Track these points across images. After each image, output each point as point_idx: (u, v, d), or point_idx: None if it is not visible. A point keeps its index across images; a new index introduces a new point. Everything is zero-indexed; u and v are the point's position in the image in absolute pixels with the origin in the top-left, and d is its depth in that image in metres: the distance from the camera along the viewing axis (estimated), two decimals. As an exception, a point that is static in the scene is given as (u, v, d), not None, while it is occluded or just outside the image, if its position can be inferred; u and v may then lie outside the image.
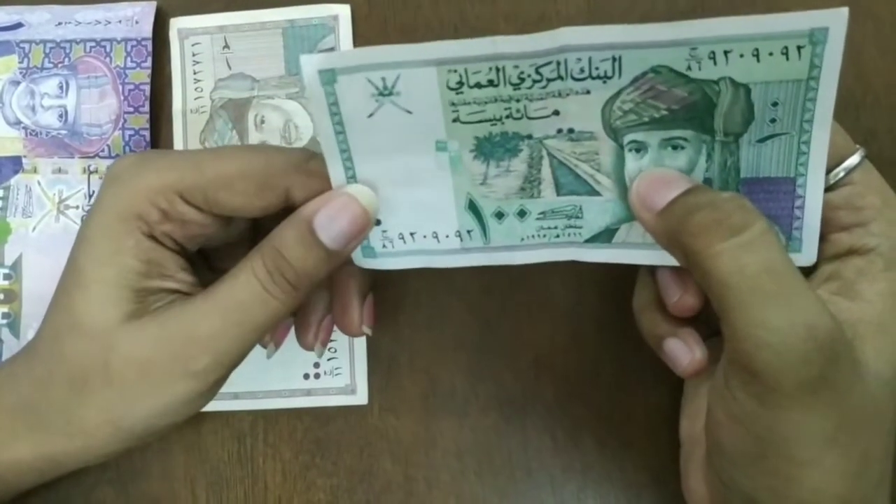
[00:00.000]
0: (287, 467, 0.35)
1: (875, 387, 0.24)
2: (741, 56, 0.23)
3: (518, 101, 0.25)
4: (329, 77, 0.24)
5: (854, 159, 0.26)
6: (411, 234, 0.28)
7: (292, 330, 0.32)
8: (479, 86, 0.24)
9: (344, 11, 0.36)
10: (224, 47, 0.36)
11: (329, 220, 0.26)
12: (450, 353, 0.35)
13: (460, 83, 0.24)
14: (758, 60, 0.23)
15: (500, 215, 0.27)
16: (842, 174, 0.26)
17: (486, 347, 0.35)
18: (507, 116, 0.25)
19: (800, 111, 0.24)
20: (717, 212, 0.23)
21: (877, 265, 0.25)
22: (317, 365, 0.35)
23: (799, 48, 0.23)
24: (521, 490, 0.34)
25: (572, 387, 0.35)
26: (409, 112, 0.25)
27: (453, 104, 0.25)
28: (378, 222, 0.28)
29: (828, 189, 0.26)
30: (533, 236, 0.27)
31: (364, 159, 0.26)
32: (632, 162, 0.26)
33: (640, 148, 0.25)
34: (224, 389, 0.34)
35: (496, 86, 0.24)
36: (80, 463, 0.28)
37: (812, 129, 0.24)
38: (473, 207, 0.27)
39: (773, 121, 0.24)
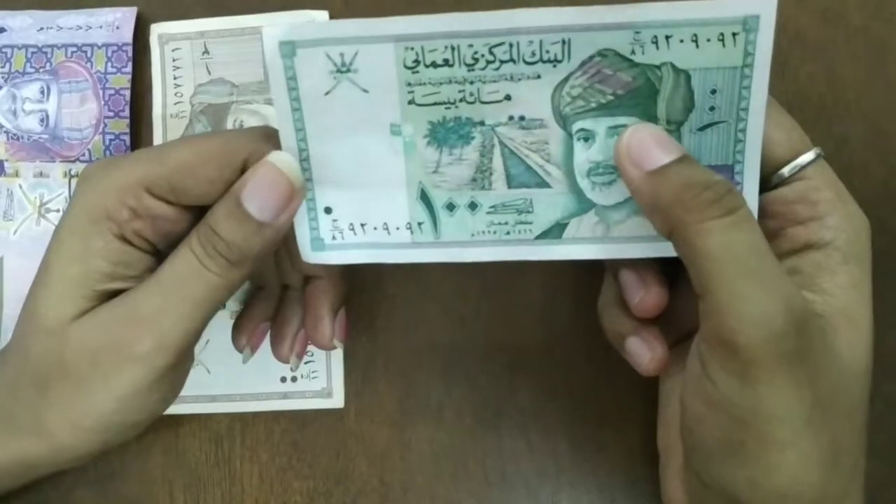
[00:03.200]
0: (264, 470, 0.35)
1: (848, 378, 0.25)
2: (681, 41, 0.24)
3: (472, 83, 0.25)
4: (289, 50, 0.25)
5: (809, 155, 0.26)
6: (362, 224, 0.28)
7: (268, 334, 0.33)
8: (434, 65, 0.25)
9: (322, 17, 0.36)
10: (204, 53, 0.37)
11: (253, 192, 0.25)
12: (425, 357, 0.35)
13: (416, 62, 0.25)
14: (697, 46, 0.24)
15: (451, 207, 0.27)
16: (797, 169, 0.26)
17: (461, 351, 0.35)
18: (461, 100, 0.25)
19: (737, 99, 0.25)
20: (711, 191, 0.23)
21: (834, 258, 0.26)
22: (294, 368, 0.35)
23: (734, 35, 0.24)
24: (495, 494, 0.34)
25: (547, 390, 0.35)
26: (366, 91, 0.25)
27: (409, 84, 0.25)
28: (329, 210, 0.28)
29: (783, 184, 0.27)
30: (484, 231, 0.28)
31: (319, 140, 0.26)
32: (580, 152, 0.26)
33: (587, 137, 0.26)
34: (201, 392, 0.35)
35: (451, 66, 0.25)
36: (53, 466, 0.28)
37: (748, 116, 0.25)
38: (425, 197, 0.27)
39: (712, 109, 0.25)
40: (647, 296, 0.27)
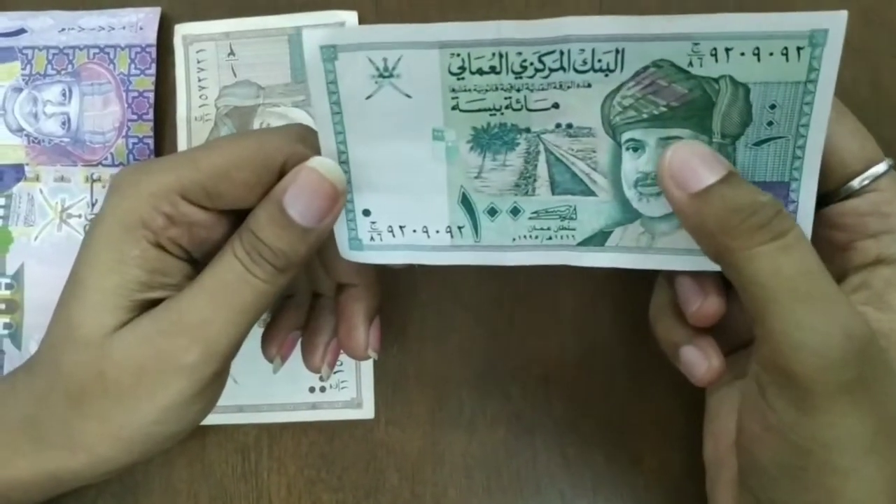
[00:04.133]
0: (292, 482, 0.34)
1: None
2: (742, 54, 0.23)
3: (519, 90, 0.24)
4: (330, 54, 0.24)
5: (881, 167, 0.26)
6: (401, 227, 0.27)
7: (298, 343, 0.32)
8: (480, 72, 0.24)
9: (351, 18, 0.35)
10: (229, 54, 0.36)
11: (296, 197, 0.25)
12: (457, 366, 0.34)
13: (462, 68, 0.24)
14: (758, 60, 0.23)
15: (492, 212, 0.27)
16: (868, 181, 0.26)
17: (495, 361, 0.34)
18: (507, 107, 0.25)
19: (797, 115, 0.24)
20: (757, 216, 0.23)
21: None
22: (323, 378, 0.35)
23: (798, 49, 0.23)
24: (529, 507, 0.34)
25: (582, 402, 0.34)
26: (409, 96, 0.25)
27: (453, 90, 0.25)
28: (367, 213, 0.27)
29: (854, 195, 0.26)
30: (525, 236, 0.27)
31: (358, 143, 0.26)
32: (629, 161, 0.25)
33: (637, 147, 0.25)
34: (228, 402, 0.34)
35: (498, 73, 0.24)
36: (83, 480, 0.27)
37: (808, 133, 0.24)
38: (466, 202, 0.27)
39: (770, 124, 0.24)
40: (705, 304, 0.26)
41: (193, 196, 0.26)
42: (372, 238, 0.28)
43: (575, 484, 0.34)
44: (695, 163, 0.24)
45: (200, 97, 0.36)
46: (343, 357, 0.34)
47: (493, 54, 0.24)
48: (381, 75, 0.24)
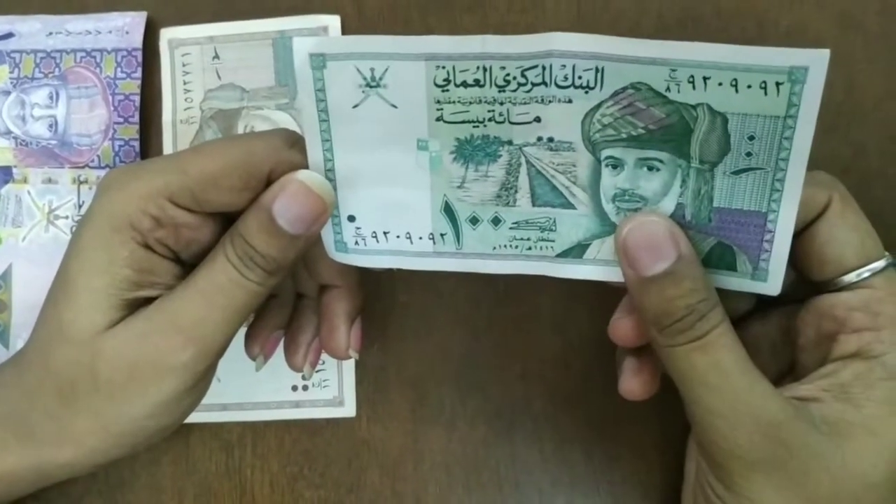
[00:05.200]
0: (275, 479, 0.35)
1: (856, 487, 0.25)
2: (720, 84, 0.23)
3: (502, 103, 0.25)
4: (319, 62, 0.25)
5: (879, 264, 0.26)
6: (384, 233, 0.28)
7: (281, 343, 0.32)
8: (465, 85, 0.25)
9: (334, 22, 0.36)
10: (214, 57, 0.36)
11: (285, 208, 0.26)
12: (438, 365, 0.35)
13: (447, 80, 0.25)
14: (736, 91, 0.23)
15: (474, 221, 0.27)
16: (866, 275, 0.26)
17: (474, 360, 0.35)
18: (490, 119, 0.25)
19: (776, 148, 0.24)
20: (682, 322, 0.24)
21: (876, 373, 0.25)
22: (305, 377, 0.35)
23: (777, 84, 0.23)
24: (509, 503, 0.34)
25: (560, 400, 0.35)
26: (394, 106, 0.25)
27: (438, 102, 0.25)
28: (352, 218, 0.28)
29: (847, 288, 0.26)
30: (505, 246, 0.27)
31: (345, 151, 0.26)
32: (608, 178, 0.26)
33: (616, 164, 0.25)
34: (213, 401, 0.35)
35: (482, 86, 0.25)
36: (70, 473, 0.28)
37: (787, 167, 0.24)
38: (449, 210, 0.27)
39: (748, 154, 0.24)
40: (632, 382, 0.29)
41: (181, 200, 0.26)
42: (356, 242, 0.28)
43: (553, 480, 0.34)
44: (646, 248, 0.25)
45: (185, 100, 0.36)
46: (325, 356, 0.35)
47: (478, 68, 0.24)
48: (368, 85, 0.25)
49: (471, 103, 0.25)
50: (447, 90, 0.25)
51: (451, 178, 0.27)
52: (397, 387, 0.35)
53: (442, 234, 0.27)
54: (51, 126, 0.36)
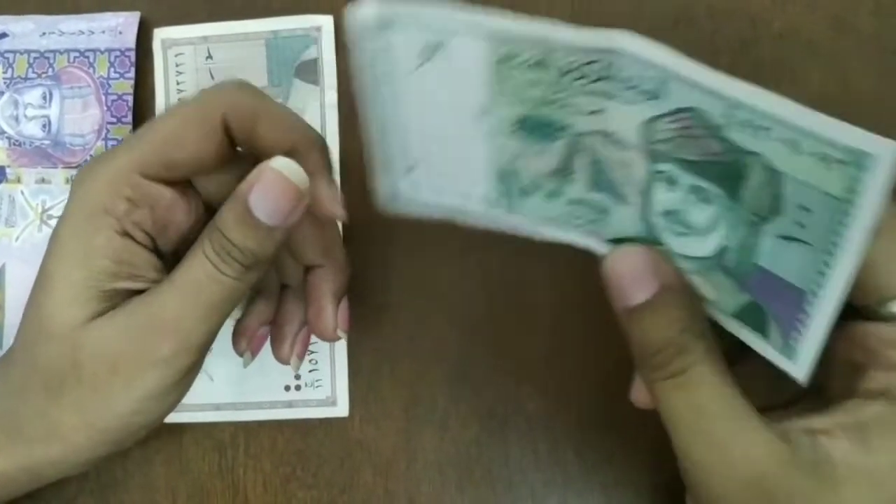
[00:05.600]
0: (268, 479, 0.35)
1: None
2: (780, 139, 0.20)
3: (564, 90, 0.24)
4: (382, 24, 0.24)
5: None
6: (440, 188, 0.28)
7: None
8: (527, 66, 0.24)
9: (327, 23, 0.36)
10: (207, 58, 0.36)
11: (262, 198, 0.25)
12: (431, 365, 0.35)
13: (509, 59, 0.24)
14: (797, 153, 0.20)
15: (527, 191, 0.27)
16: None
17: (468, 359, 0.35)
18: (551, 102, 0.24)
19: (830, 230, 0.21)
20: (660, 356, 0.24)
21: None
22: (298, 377, 0.35)
23: (841, 162, 0.20)
24: (501, 503, 0.34)
25: (554, 399, 0.34)
26: (454, 76, 0.25)
27: (500, 78, 0.24)
28: (409, 170, 0.27)
29: (884, 319, 0.24)
30: (559, 217, 0.27)
31: (401, 114, 0.26)
32: (661, 192, 0.24)
33: (671, 181, 0.24)
34: (205, 400, 0.35)
35: (546, 68, 0.24)
36: (60, 472, 0.28)
37: (837, 252, 0.21)
38: (504, 178, 0.27)
39: (801, 225, 0.21)
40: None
41: (150, 170, 0.26)
42: (412, 196, 0.28)
43: (546, 480, 0.34)
44: (627, 279, 0.24)
45: (179, 100, 0.36)
46: (318, 356, 0.35)
47: (541, 54, 0.23)
48: (431, 51, 0.24)
49: (532, 85, 0.24)
50: (509, 68, 0.24)
51: (508, 152, 0.26)
52: (390, 386, 0.35)
53: (496, 197, 0.27)
54: (44, 126, 0.36)
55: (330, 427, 0.35)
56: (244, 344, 0.32)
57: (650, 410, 0.33)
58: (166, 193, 0.27)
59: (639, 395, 0.27)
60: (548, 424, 0.34)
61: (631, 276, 0.24)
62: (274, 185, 0.26)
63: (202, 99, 0.27)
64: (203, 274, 0.26)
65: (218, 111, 0.26)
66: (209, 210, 0.28)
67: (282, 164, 0.26)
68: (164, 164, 0.26)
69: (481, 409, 0.35)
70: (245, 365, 0.32)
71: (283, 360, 0.31)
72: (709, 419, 0.23)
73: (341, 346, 0.35)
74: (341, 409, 0.35)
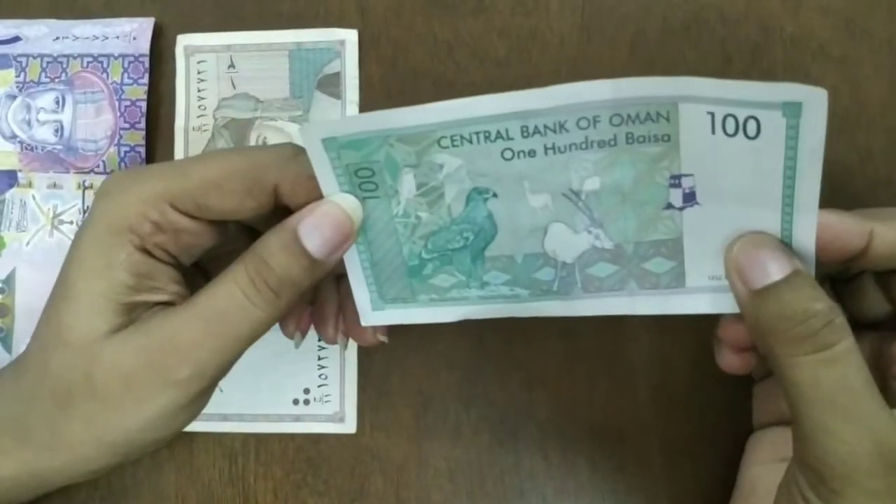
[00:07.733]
0: (278, 486, 0.35)
1: None
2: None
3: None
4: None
5: None
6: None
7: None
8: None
9: (351, 37, 0.36)
10: (230, 66, 0.36)
11: (313, 228, 0.25)
12: (442, 372, 0.35)
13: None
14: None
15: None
16: None
17: (478, 367, 0.35)
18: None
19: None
20: (804, 326, 0.23)
21: None
22: (307, 391, 0.35)
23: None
24: (513, 511, 0.34)
25: (565, 407, 0.34)
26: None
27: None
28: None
29: None
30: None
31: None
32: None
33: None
34: (214, 411, 0.35)
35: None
36: (65, 479, 0.27)
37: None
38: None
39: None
40: (732, 359, 0.28)
41: (182, 205, 0.26)
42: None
43: (557, 488, 0.34)
44: (763, 257, 0.24)
45: (199, 108, 0.36)
46: (328, 371, 0.35)
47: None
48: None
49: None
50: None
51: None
52: (401, 394, 0.35)
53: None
54: (56, 131, 0.36)
55: (341, 434, 0.35)
56: (292, 326, 0.32)
57: (661, 417, 0.33)
58: (192, 226, 0.27)
59: (727, 360, 0.28)
60: (559, 432, 0.34)
61: (767, 255, 0.24)
62: (330, 216, 0.26)
63: (258, 156, 0.26)
64: (228, 303, 0.25)
65: (271, 180, 0.26)
66: (232, 230, 0.28)
67: (341, 198, 0.26)
68: (198, 206, 0.26)
69: (492, 416, 0.35)
70: (297, 345, 0.32)
71: (330, 341, 0.31)
72: (857, 397, 0.23)
73: (352, 362, 0.35)
74: (349, 426, 0.35)
